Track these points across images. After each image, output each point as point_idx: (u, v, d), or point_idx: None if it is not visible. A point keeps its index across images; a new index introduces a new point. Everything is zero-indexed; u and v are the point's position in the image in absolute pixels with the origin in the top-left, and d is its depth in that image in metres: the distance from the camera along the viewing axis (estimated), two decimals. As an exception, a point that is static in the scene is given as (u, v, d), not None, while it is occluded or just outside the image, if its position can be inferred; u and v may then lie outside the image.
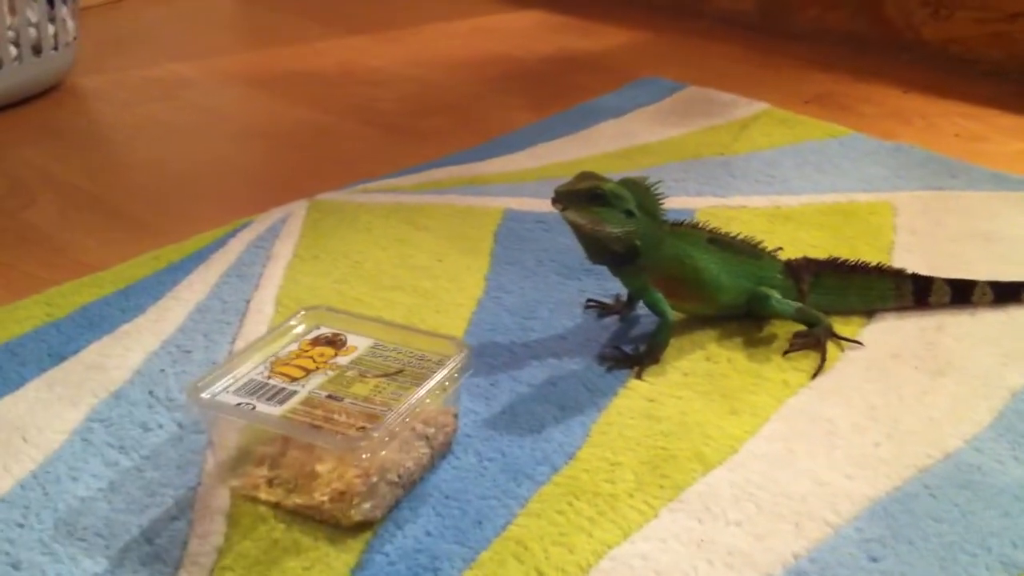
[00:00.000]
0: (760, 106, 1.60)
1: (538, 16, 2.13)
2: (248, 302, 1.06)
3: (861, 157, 1.42)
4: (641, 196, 0.95)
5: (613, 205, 0.92)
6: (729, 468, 0.82)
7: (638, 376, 0.94)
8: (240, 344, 0.99)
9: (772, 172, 1.37)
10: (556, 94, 1.69)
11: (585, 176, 0.94)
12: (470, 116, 1.62)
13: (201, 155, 1.50)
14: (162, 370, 0.95)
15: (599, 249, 0.96)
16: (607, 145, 1.48)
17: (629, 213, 0.93)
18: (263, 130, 1.59)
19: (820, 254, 1.05)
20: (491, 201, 1.29)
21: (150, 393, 0.91)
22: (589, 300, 1.06)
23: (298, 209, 1.27)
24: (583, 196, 0.92)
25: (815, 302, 1.02)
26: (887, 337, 1.00)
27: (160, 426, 0.87)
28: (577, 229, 0.94)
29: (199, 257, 1.15)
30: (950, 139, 1.49)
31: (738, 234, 1.02)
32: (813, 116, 1.57)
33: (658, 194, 0.96)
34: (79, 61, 1.80)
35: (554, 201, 0.92)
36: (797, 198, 1.30)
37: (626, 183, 0.95)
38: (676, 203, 1.23)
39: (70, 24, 1.74)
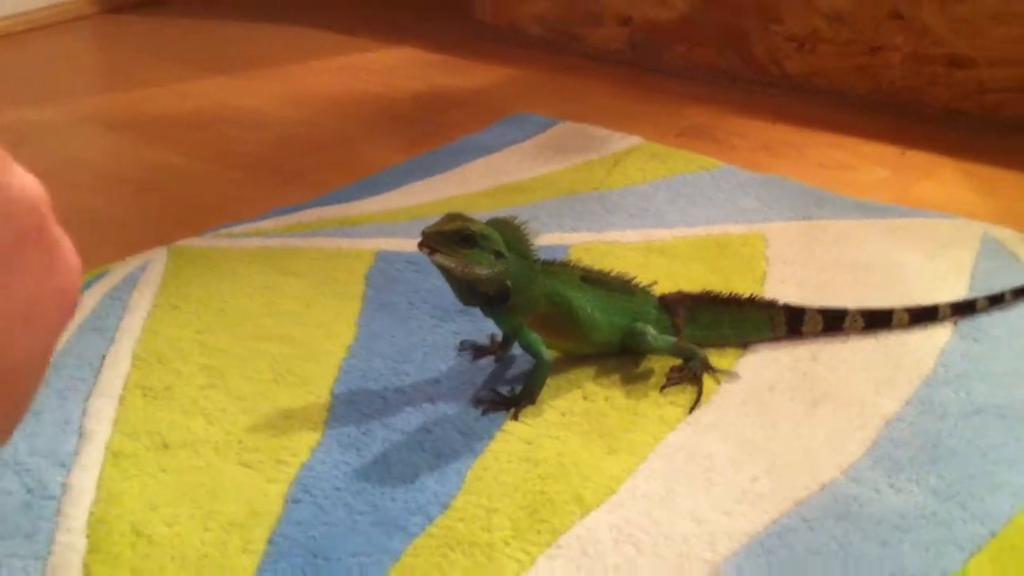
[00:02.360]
0: (633, 140, 1.61)
1: (408, 53, 2.10)
2: (104, 357, 1.01)
3: (733, 189, 1.43)
4: (510, 236, 0.93)
5: (482, 246, 0.90)
6: (608, 510, 0.80)
7: (515, 418, 0.92)
8: (94, 401, 0.93)
9: (646, 206, 1.37)
10: (428, 132, 1.66)
11: (452, 217, 0.92)
12: (339, 156, 1.58)
13: (54, 203, 1.42)
14: (7, 434, 0.89)
15: (469, 291, 0.93)
16: (480, 183, 1.46)
17: (498, 254, 0.91)
18: (120, 176, 1.52)
19: (695, 287, 1.05)
20: (362, 243, 1.25)
21: (-6, 459, 0.85)
22: (463, 342, 1.03)
23: (157, 257, 1.21)
24: (451, 238, 0.89)
25: (690, 335, 1.01)
26: (763, 369, 1.00)
27: (9, 492, 0.82)
28: (446, 272, 0.91)
29: (51, 311, 1.09)
30: (817, 169, 1.52)
31: (611, 270, 1.01)
32: (685, 149, 1.58)
33: (528, 233, 0.94)
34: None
35: (421, 245, 0.89)
36: (671, 231, 1.30)
37: (495, 223, 0.93)
38: (551, 240, 1.21)
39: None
